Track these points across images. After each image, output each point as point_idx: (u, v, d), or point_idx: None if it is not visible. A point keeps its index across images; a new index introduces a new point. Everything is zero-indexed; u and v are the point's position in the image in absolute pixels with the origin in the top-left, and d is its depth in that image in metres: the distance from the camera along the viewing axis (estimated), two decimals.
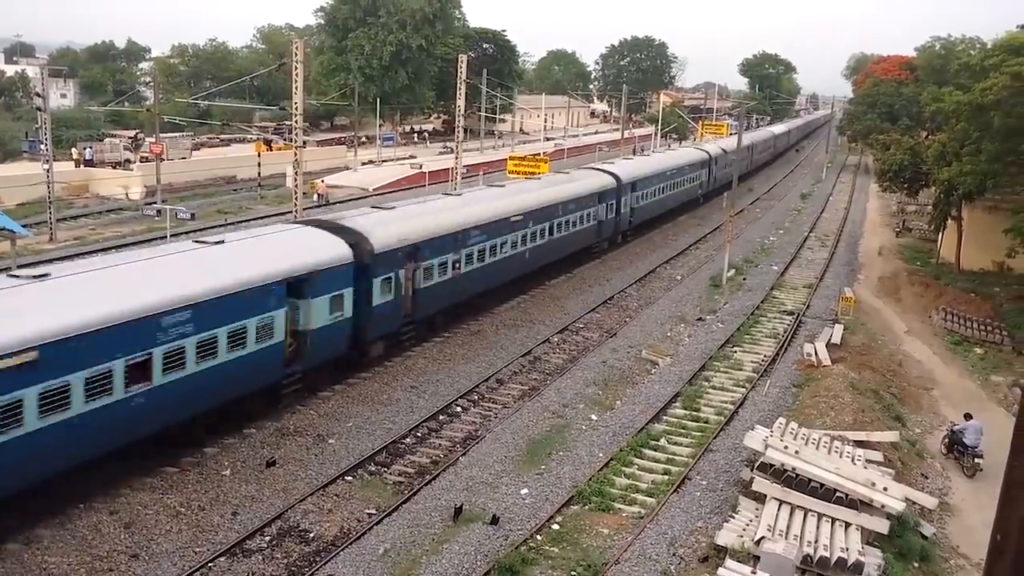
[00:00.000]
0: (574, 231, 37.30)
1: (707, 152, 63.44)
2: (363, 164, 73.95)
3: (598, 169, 44.19)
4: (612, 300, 35.43)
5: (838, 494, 17.45)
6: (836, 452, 19.30)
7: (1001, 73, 35.45)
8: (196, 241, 21.40)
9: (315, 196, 54.33)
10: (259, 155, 58.97)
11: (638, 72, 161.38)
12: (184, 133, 69.17)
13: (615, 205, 42.25)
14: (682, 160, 57.30)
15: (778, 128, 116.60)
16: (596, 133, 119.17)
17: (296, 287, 21.08)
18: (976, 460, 22.03)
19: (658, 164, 52.43)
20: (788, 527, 16.67)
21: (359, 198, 56.15)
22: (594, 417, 23.24)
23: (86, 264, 20.40)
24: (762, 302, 36.11)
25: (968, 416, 23.03)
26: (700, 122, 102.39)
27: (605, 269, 40.35)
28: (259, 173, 58.08)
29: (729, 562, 15.70)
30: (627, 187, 43.80)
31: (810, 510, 17.29)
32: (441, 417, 22.68)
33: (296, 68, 35.99)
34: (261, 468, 19.01)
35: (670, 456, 21.12)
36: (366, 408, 22.77)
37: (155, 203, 44.02)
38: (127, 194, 54.28)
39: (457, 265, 27.95)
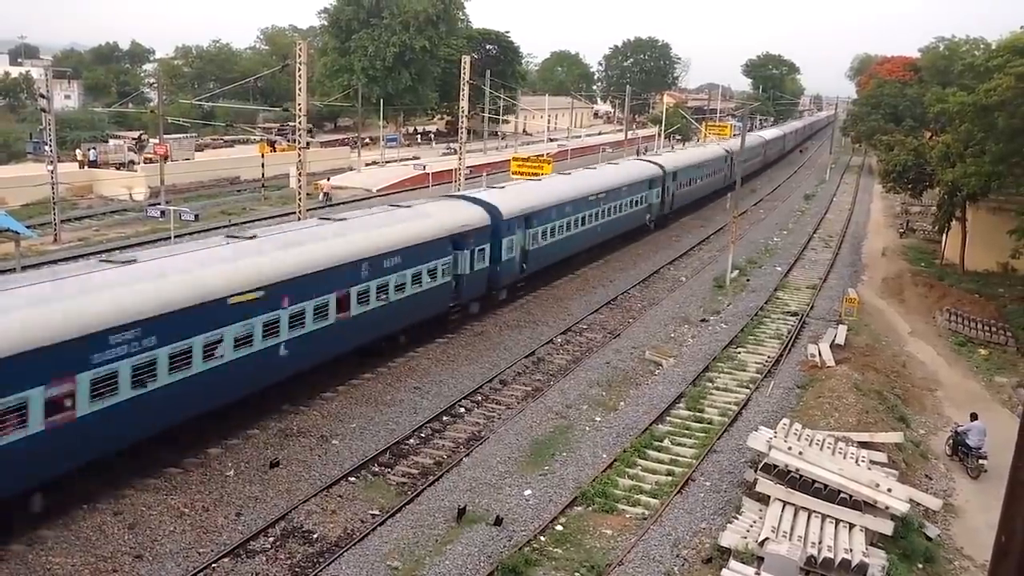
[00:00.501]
0: (401, 298, 25.27)
1: (660, 166, 50.30)
2: (367, 165, 74.06)
3: (461, 198, 32.33)
4: (615, 301, 35.41)
5: (842, 495, 17.44)
6: (840, 453, 19.29)
7: (1005, 74, 35.40)
8: None
9: (320, 195, 54.96)
10: (263, 156, 59.08)
11: (641, 73, 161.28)
12: (188, 134, 69.30)
13: (487, 251, 30.22)
14: (618, 179, 44.02)
15: (770, 132, 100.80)
16: (600, 134, 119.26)
17: None
18: (980, 461, 21.99)
19: (571, 187, 38.41)
20: (792, 528, 16.65)
21: (363, 199, 56.30)
22: (598, 418, 23.23)
23: None
24: (766, 303, 36.09)
25: (974, 416, 22.96)
26: (704, 123, 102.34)
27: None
28: (263, 174, 58.18)
29: (733, 563, 15.69)
30: (513, 223, 31.87)
31: (814, 511, 17.27)
32: (445, 418, 22.69)
33: (299, 69, 36.00)
34: (265, 469, 19.03)
35: (674, 457, 21.11)
36: (369, 409, 22.78)
37: (159, 204, 44.09)
38: (131, 195, 54.39)
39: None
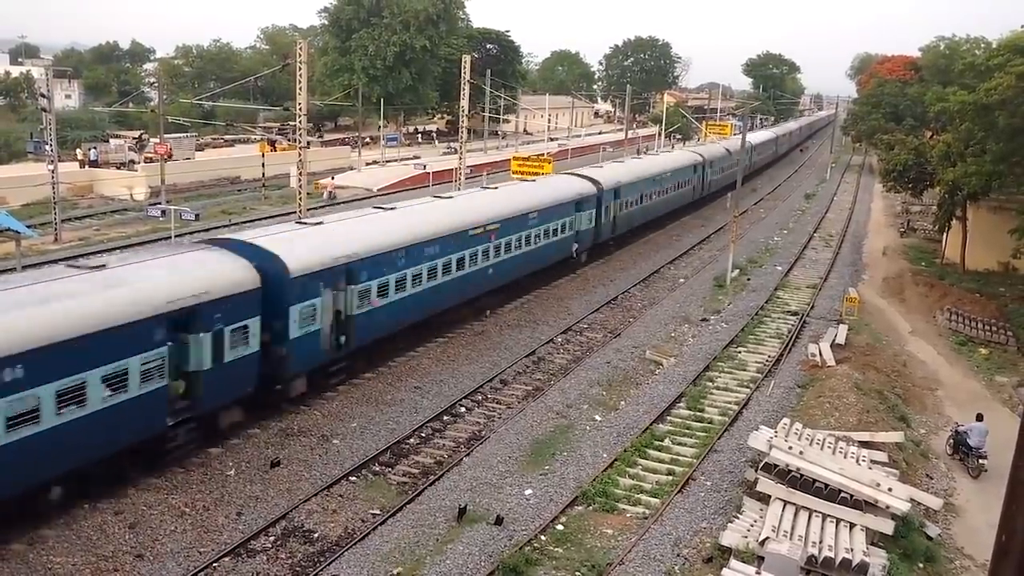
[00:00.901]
0: (35, 434, 15.05)
1: (595, 182, 40.40)
2: (367, 165, 74.10)
3: (218, 245, 21.22)
4: (616, 300, 35.41)
5: (843, 495, 17.43)
6: (841, 453, 19.29)
7: (1006, 73, 35.40)
8: None
9: (324, 194, 55.00)
10: (263, 155, 59.09)
11: (642, 72, 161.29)
12: (188, 134, 69.33)
13: (255, 329, 19.81)
14: (525, 202, 33.85)
15: (759, 136, 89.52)
16: (600, 133, 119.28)
17: None
18: (980, 461, 22.00)
19: (437, 219, 28.03)
20: (792, 528, 16.65)
21: (364, 198, 56.31)
22: (598, 418, 23.23)
23: None
24: (766, 302, 36.08)
25: (980, 417, 22.92)
26: (704, 122, 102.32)
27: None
28: (263, 174, 58.18)
29: (733, 563, 15.68)
30: (313, 282, 21.48)
31: (815, 511, 17.26)
32: (445, 417, 22.69)
33: (300, 69, 36.01)
34: (265, 468, 19.04)
35: (674, 457, 21.11)
36: (370, 408, 22.79)
37: (160, 204, 44.08)
38: (131, 195, 54.40)
39: None
